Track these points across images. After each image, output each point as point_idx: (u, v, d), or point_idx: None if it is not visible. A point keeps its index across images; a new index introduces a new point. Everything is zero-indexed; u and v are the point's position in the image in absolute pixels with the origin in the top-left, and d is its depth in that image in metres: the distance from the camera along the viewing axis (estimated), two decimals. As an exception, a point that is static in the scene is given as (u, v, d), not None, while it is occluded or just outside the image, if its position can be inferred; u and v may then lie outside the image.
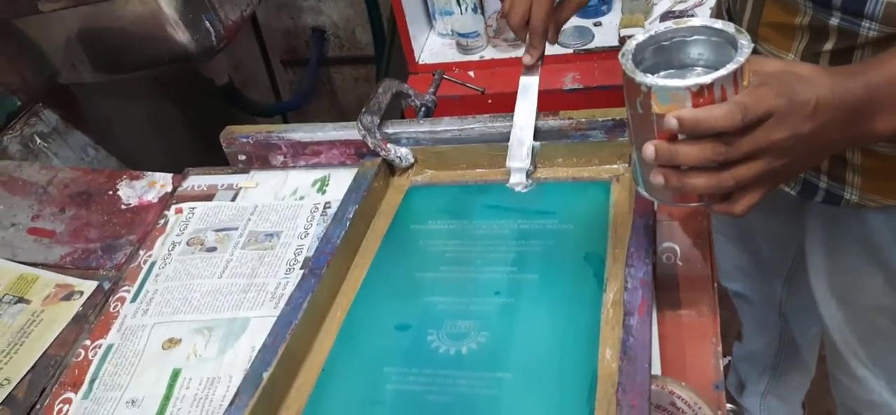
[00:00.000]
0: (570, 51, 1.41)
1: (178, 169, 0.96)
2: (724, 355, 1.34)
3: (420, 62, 1.52)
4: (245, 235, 0.83)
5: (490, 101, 1.42)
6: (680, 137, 0.49)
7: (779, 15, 0.65)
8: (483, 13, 1.51)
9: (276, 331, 0.62)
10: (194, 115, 1.54)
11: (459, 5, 1.49)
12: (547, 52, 1.47)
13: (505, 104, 1.44)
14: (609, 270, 0.65)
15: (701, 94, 0.47)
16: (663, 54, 0.54)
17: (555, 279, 0.66)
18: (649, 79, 0.48)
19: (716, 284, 0.66)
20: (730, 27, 0.50)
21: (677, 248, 0.69)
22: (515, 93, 1.42)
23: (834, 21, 0.60)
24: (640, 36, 0.52)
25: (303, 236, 0.81)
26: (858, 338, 0.85)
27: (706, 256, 0.68)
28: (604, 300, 0.63)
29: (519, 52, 1.49)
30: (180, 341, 0.73)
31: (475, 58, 1.50)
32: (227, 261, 0.80)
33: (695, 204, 0.54)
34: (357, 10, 1.81)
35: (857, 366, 0.87)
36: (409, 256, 0.73)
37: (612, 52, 1.38)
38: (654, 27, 0.53)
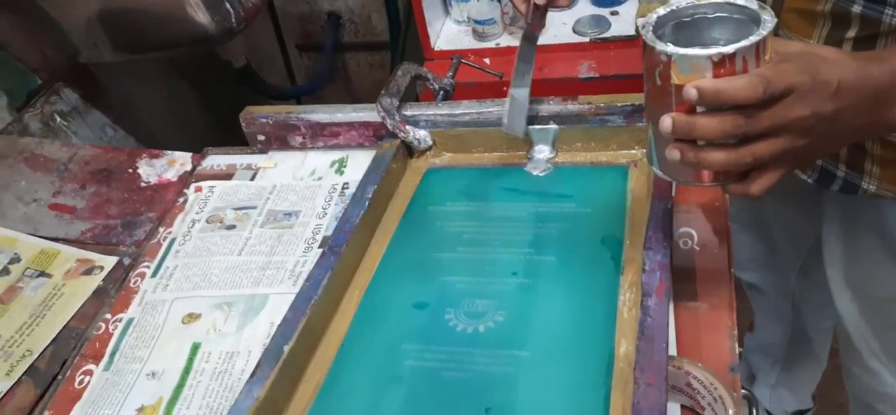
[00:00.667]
0: (587, 39, 1.41)
1: (195, 150, 0.97)
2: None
3: (436, 49, 1.52)
4: (264, 213, 0.84)
5: (506, 88, 1.42)
6: (699, 109, 0.48)
7: (801, 1, 0.65)
8: (499, 0, 1.51)
9: (296, 306, 0.63)
10: (210, 97, 1.55)
11: (475, -8, 1.49)
12: (564, 41, 1.47)
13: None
14: (626, 253, 0.66)
15: (722, 65, 0.46)
16: (683, 31, 0.53)
17: (572, 262, 0.67)
18: (670, 47, 0.47)
19: (732, 270, 0.66)
20: (753, 4, 0.50)
21: (694, 233, 0.70)
22: (533, 81, 1.43)
23: (856, 8, 0.60)
24: (661, 9, 0.52)
25: (321, 216, 0.82)
26: (873, 330, 0.85)
27: (723, 242, 0.68)
28: (621, 283, 0.63)
29: (535, 40, 1.50)
30: (200, 315, 0.74)
31: (491, 45, 1.50)
32: (245, 239, 0.81)
33: (710, 183, 0.52)
34: (373, -5, 1.81)
35: (871, 358, 0.87)
36: (426, 237, 0.74)
37: (628, 41, 1.38)
38: (676, 2, 0.52)
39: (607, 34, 1.40)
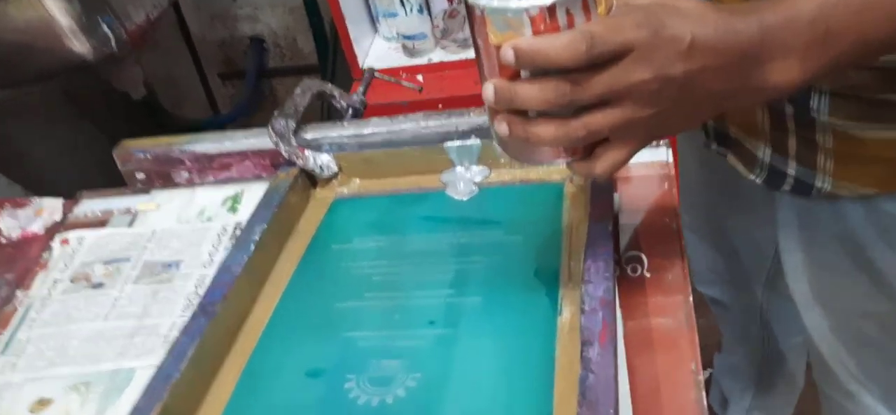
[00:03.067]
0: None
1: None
2: (705, 368, 1.23)
3: (365, 68, 1.42)
4: (139, 266, 0.70)
5: (440, 105, 1.32)
6: (522, 74, 0.41)
7: None
8: (429, 14, 1.41)
9: (151, 389, 0.50)
10: (120, 133, 1.39)
11: (404, 6, 1.39)
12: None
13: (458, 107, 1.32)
14: (564, 288, 0.54)
15: (542, 20, 0.39)
16: None
17: (501, 302, 0.55)
18: (482, 1, 0.40)
19: (691, 298, 0.55)
20: None
21: (644, 257, 0.58)
22: (467, 97, 1.32)
23: None
24: None
25: (207, 265, 0.68)
26: (847, 348, 0.75)
27: (678, 264, 0.57)
28: (559, 326, 0.51)
29: (468, 54, 1.40)
30: (52, 401, 0.59)
31: (423, 61, 1.40)
32: (114, 299, 0.67)
33: (552, 161, 0.46)
34: (297, 16, 1.69)
35: (848, 379, 0.76)
36: (328, 284, 0.61)
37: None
38: None
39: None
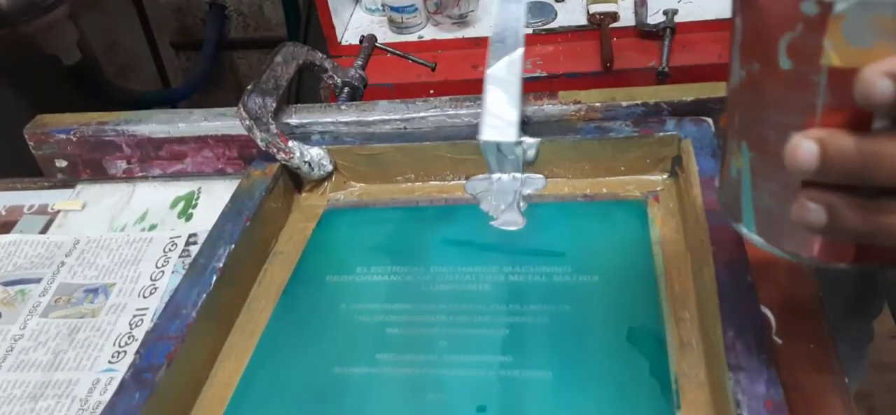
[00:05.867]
0: (529, 30, 1.15)
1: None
2: None
3: (343, 43, 1.27)
4: (52, 290, 0.51)
5: (432, 91, 1.15)
6: (876, 124, 0.23)
7: None
8: (421, -19, 1.24)
9: None
10: (49, 108, 1.18)
11: (391, -28, 1.22)
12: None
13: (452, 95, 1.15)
14: (677, 364, 0.37)
15: None
16: None
17: (582, 382, 0.38)
18: None
19: (847, 378, 0.39)
20: None
21: (769, 314, 0.42)
22: (462, 83, 1.15)
23: None
24: None
25: (147, 294, 0.49)
26: None
27: (822, 328, 0.41)
28: (681, 426, 0.35)
29: (465, 32, 1.23)
30: None
31: (412, 38, 1.25)
32: (14, 339, 0.48)
33: (849, 265, 0.27)
34: (265, -19, 1.49)
35: None
36: (322, 335, 0.43)
37: (578, 32, 1.14)
38: None
39: (553, 24, 1.18)
